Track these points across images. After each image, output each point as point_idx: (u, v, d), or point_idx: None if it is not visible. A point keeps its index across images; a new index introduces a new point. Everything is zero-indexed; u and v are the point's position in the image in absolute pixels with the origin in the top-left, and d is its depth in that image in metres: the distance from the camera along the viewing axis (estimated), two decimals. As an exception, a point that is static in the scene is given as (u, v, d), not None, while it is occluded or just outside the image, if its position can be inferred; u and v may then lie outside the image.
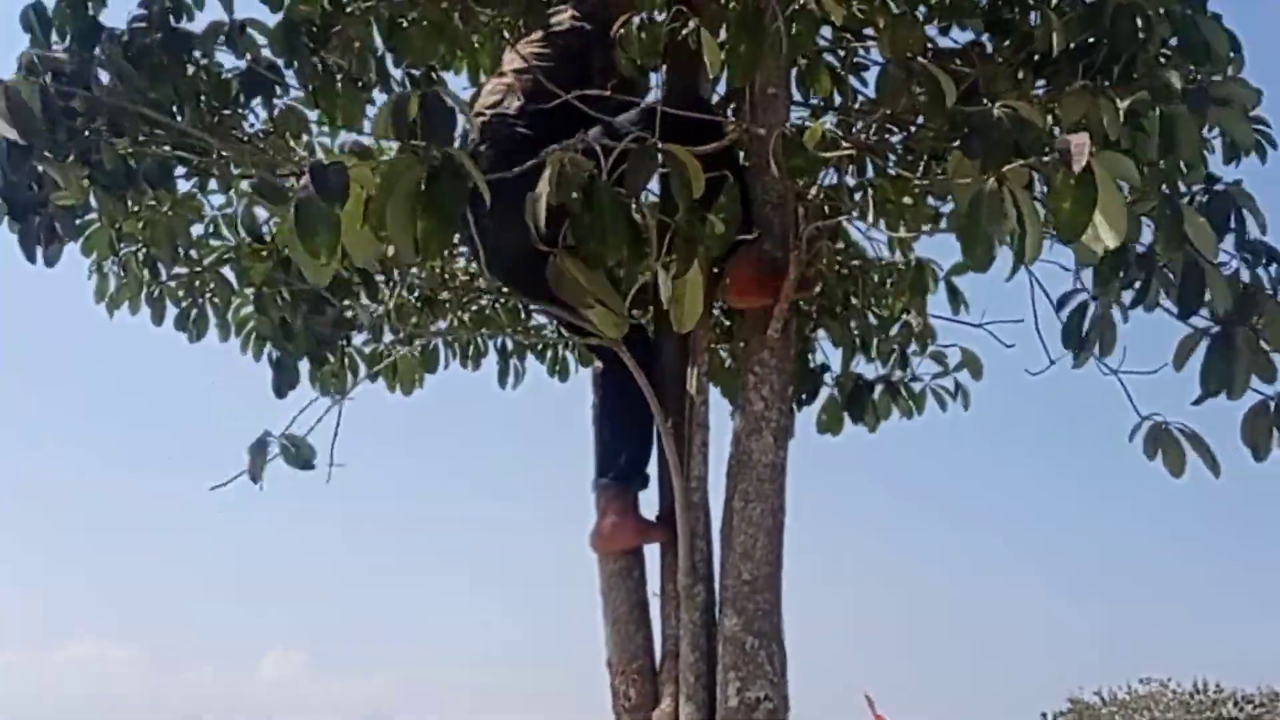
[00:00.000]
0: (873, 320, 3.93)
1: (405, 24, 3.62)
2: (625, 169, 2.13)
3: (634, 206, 2.24)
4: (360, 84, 3.60)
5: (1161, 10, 2.80)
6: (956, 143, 2.49)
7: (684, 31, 2.67)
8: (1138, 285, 2.65)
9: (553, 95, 2.64)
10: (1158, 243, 2.49)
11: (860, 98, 3.59)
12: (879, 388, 3.90)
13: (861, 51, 3.70)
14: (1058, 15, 3.02)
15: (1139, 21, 2.81)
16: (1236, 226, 2.67)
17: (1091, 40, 2.95)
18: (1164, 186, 2.73)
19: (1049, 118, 2.84)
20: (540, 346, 4.30)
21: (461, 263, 4.00)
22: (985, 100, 3.02)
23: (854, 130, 3.15)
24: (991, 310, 3.57)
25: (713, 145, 2.58)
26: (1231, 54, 2.91)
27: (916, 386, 3.93)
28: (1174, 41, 2.90)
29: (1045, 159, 2.17)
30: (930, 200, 3.47)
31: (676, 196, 2.14)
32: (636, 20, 2.72)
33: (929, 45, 3.29)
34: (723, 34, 2.80)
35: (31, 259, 3.08)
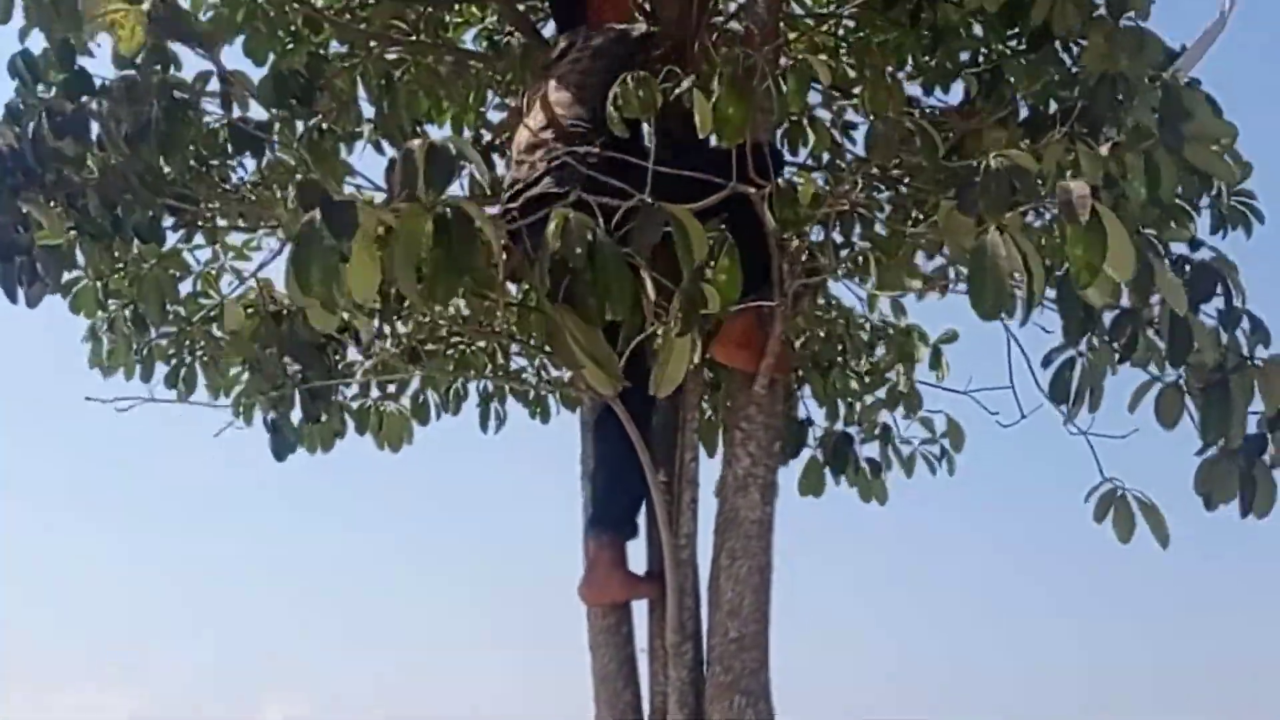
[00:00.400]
0: (855, 384, 3.96)
1: (393, 79, 3.65)
2: (631, 228, 2.14)
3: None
4: (348, 135, 3.63)
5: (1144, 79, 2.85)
6: (948, 194, 2.52)
7: (677, 91, 2.69)
8: (1124, 340, 2.68)
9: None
10: (1131, 297, 2.54)
11: (850, 155, 3.66)
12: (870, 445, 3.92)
13: (851, 110, 3.79)
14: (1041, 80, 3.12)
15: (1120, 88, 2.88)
16: (1224, 294, 2.70)
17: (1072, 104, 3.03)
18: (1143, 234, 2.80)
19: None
20: (527, 393, 4.29)
21: (452, 309, 3.99)
22: (970, 155, 3.13)
23: (842, 186, 3.18)
24: (969, 368, 3.61)
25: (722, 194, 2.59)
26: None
27: (905, 450, 3.96)
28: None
29: (1045, 207, 2.21)
30: (918, 258, 3.50)
31: (680, 260, 2.14)
32: (630, 80, 2.73)
33: (912, 107, 3.36)
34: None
35: (13, 298, 3.08)
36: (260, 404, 3.50)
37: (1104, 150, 2.57)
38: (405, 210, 1.86)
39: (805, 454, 3.90)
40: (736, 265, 2.27)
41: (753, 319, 2.90)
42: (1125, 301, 2.64)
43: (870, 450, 3.96)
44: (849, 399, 3.96)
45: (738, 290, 2.32)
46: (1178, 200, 2.90)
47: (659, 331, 2.40)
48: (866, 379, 3.96)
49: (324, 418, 3.46)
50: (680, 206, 2.18)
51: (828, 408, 3.91)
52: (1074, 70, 3.24)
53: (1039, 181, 2.45)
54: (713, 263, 2.67)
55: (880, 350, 3.99)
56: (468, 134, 4.08)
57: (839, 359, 3.92)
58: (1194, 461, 2.74)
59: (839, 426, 3.92)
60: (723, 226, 2.91)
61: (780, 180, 2.82)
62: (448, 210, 1.86)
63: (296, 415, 3.50)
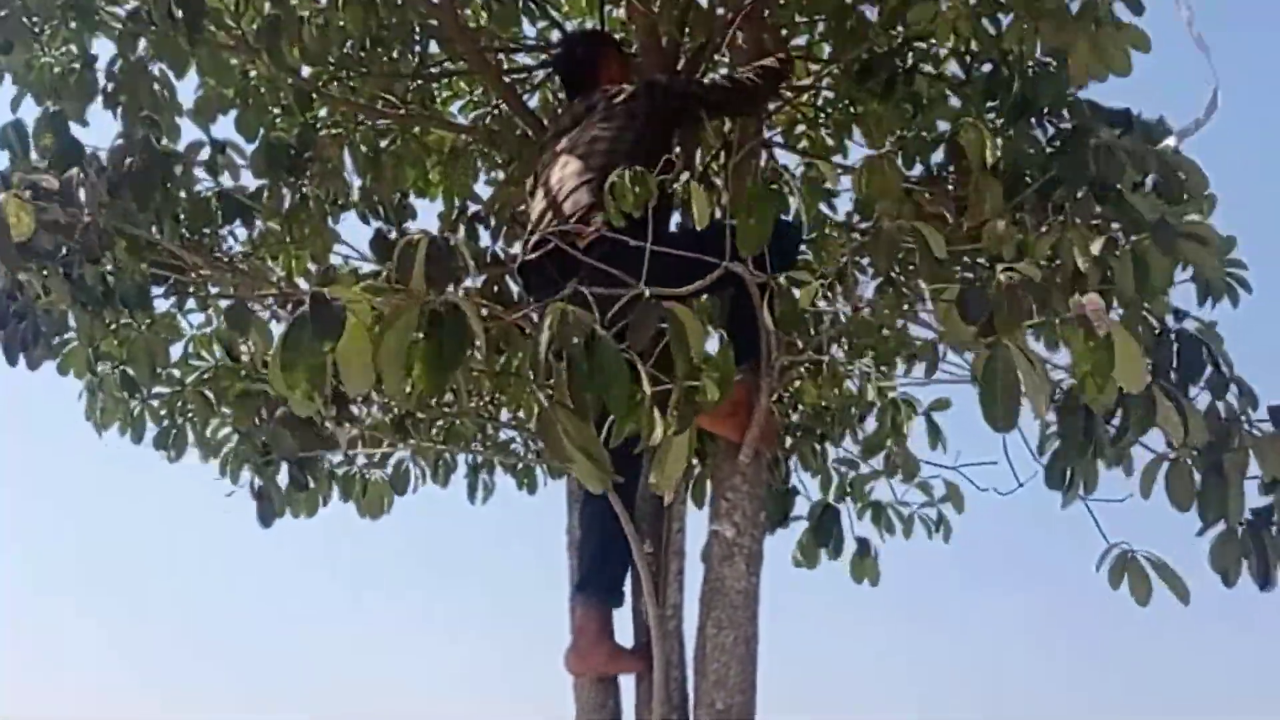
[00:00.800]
0: (847, 453, 3.99)
1: (380, 151, 3.70)
2: (628, 323, 2.15)
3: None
4: (337, 203, 3.67)
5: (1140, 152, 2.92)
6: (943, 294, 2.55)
7: (675, 185, 2.73)
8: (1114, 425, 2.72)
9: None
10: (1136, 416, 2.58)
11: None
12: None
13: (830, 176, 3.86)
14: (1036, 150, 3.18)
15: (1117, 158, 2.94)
16: (1211, 364, 2.75)
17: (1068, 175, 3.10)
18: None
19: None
20: (515, 464, 4.32)
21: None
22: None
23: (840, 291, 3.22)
24: (962, 437, 3.64)
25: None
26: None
27: (904, 512, 3.99)
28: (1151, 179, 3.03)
29: (1057, 319, 2.25)
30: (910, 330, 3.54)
31: (676, 357, 2.16)
32: (627, 174, 2.76)
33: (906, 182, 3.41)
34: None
35: (13, 362, 3.12)
36: (248, 469, 3.51)
37: (1095, 248, 2.62)
38: (398, 306, 1.88)
39: (801, 524, 3.90)
40: (731, 356, 2.29)
41: (741, 389, 2.93)
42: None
43: (864, 527, 3.98)
44: (841, 469, 3.98)
45: (731, 387, 2.34)
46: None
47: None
48: (859, 450, 3.99)
49: (311, 484, 3.47)
50: (676, 302, 2.20)
51: (820, 478, 3.94)
52: (1050, 148, 3.32)
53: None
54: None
55: (873, 422, 4.02)
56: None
57: (830, 429, 3.95)
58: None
59: (829, 499, 3.93)
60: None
61: (780, 278, 2.86)
62: (441, 307, 1.88)
63: (284, 480, 3.51)
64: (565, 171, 3.07)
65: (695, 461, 3.63)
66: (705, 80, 3.40)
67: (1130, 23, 3.10)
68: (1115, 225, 2.89)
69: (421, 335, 1.91)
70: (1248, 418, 2.73)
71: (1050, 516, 2.94)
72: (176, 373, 3.74)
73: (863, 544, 3.88)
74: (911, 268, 3.30)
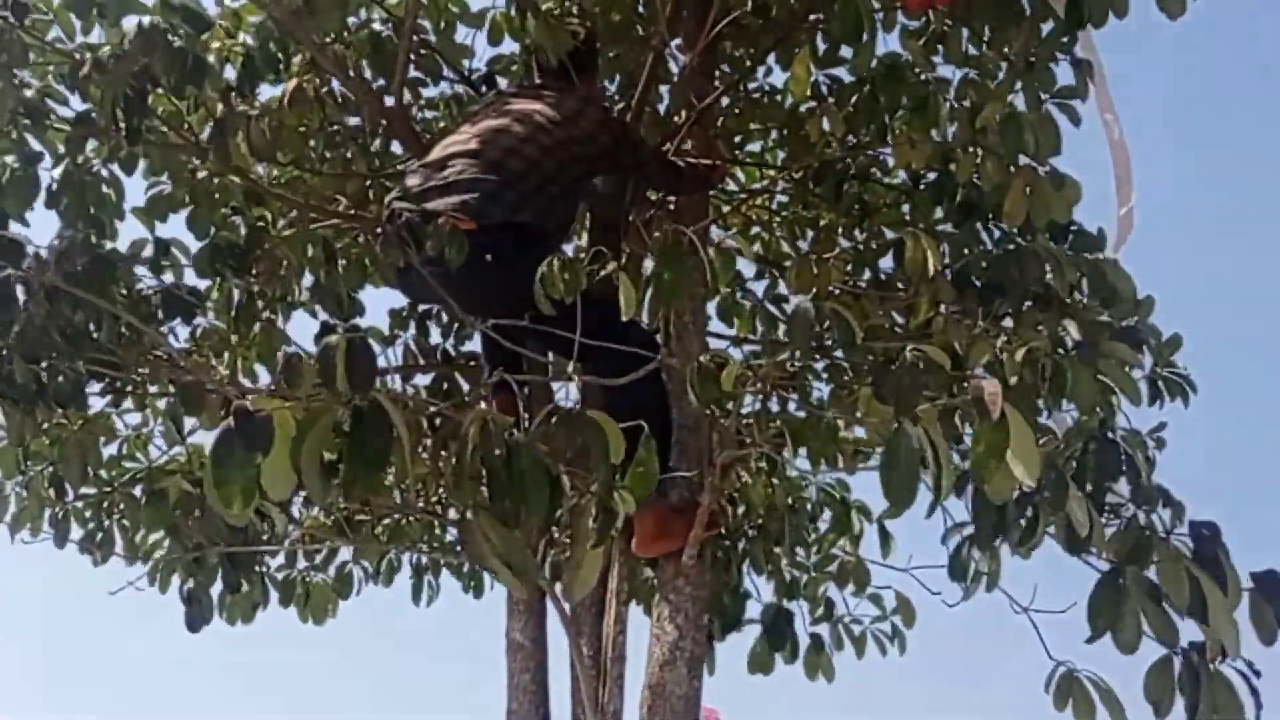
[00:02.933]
0: (800, 557, 3.95)
1: (329, 249, 3.70)
2: (545, 429, 2.14)
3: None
4: (282, 307, 3.65)
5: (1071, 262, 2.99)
6: (869, 380, 2.56)
7: (604, 272, 2.74)
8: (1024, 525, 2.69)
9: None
10: (1045, 499, 2.56)
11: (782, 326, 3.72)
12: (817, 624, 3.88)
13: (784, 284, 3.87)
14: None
15: (1048, 266, 2.99)
16: (1129, 473, 2.74)
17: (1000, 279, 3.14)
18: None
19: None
20: (460, 565, 4.24)
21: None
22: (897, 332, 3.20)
23: (767, 363, 3.22)
24: (915, 542, 3.60)
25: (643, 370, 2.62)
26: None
27: (856, 629, 3.91)
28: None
29: (957, 398, 2.25)
30: (853, 430, 3.54)
31: (595, 467, 2.14)
32: (556, 262, 2.78)
33: (843, 282, 3.44)
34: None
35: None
36: (179, 571, 3.42)
37: (1019, 355, 2.65)
38: (314, 408, 1.85)
39: (754, 629, 3.82)
40: (654, 458, 2.26)
41: (661, 507, 2.91)
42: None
43: (817, 627, 3.91)
44: (793, 572, 3.93)
45: (652, 488, 2.31)
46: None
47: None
48: (812, 552, 3.94)
49: (245, 587, 3.38)
50: (599, 413, 2.19)
51: (775, 582, 3.88)
52: (994, 248, 3.37)
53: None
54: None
55: (824, 524, 3.98)
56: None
57: (782, 531, 3.90)
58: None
59: (782, 602, 3.87)
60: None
61: (703, 359, 2.86)
62: (362, 405, 1.85)
63: (217, 586, 3.42)
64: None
65: (648, 569, 3.59)
66: (654, 150, 3.42)
67: (1071, 179, 3.18)
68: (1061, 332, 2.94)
69: (344, 436, 1.88)
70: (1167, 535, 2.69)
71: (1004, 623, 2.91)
72: (105, 474, 3.64)
73: (816, 640, 3.82)
74: (863, 370, 3.33)
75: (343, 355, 1.90)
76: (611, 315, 2.57)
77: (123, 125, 3.07)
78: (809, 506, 3.98)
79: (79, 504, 3.59)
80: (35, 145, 3.33)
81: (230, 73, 3.54)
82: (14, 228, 3.25)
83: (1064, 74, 3.20)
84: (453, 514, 4.00)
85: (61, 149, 3.37)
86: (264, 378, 3.71)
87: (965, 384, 2.64)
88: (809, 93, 3.70)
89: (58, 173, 3.36)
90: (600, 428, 2.12)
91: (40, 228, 3.31)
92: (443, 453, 3.38)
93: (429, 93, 4.05)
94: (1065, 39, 3.18)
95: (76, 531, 3.62)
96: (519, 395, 2.43)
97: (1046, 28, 3.15)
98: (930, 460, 2.15)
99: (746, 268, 3.90)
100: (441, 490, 3.75)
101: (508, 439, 1.98)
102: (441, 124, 4.01)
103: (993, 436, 2.12)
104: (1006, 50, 3.25)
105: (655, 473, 2.22)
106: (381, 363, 3.54)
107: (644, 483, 2.20)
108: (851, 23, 3.28)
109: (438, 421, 3.63)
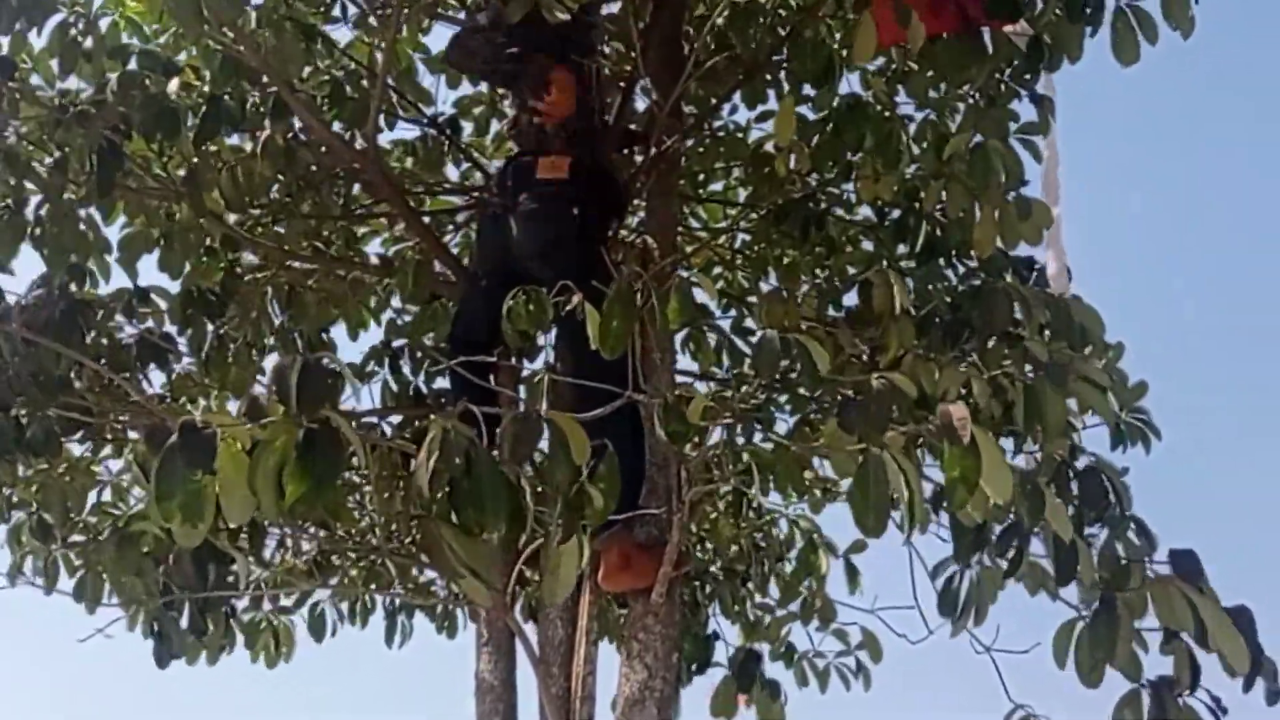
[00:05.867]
0: (767, 597, 3.95)
1: (297, 292, 3.74)
2: (510, 437, 2.15)
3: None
4: (256, 349, 3.68)
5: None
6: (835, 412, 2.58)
7: (568, 307, 2.77)
8: (1010, 555, 2.70)
9: None
10: (1021, 516, 2.57)
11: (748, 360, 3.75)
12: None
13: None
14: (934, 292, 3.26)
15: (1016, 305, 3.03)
16: (1104, 502, 2.76)
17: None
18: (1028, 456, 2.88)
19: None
20: (434, 607, 4.22)
21: (365, 521, 3.96)
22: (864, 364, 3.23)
23: (733, 396, 3.25)
24: (879, 581, 3.61)
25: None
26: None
27: (820, 663, 3.89)
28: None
29: (927, 426, 2.27)
30: (819, 466, 3.56)
31: (558, 467, 2.16)
32: (523, 295, 2.82)
33: (811, 317, 3.47)
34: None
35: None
36: (145, 609, 3.39)
37: (977, 389, 2.71)
38: (271, 429, 1.87)
39: (719, 671, 3.81)
40: (616, 473, 2.27)
41: (627, 541, 2.92)
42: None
43: (778, 669, 3.90)
44: (759, 612, 3.93)
45: (616, 497, 2.33)
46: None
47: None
48: (778, 592, 3.94)
49: (210, 629, 3.34)
50: (561, 414, 2.21)
51: (740, 624, 3.88)
52: (960, 287, 3.41)
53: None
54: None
55: (791, 564, 3.98)
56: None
57: (749, 571, 3.91)
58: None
59: (749, 643, 3.87)
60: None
61: (669, 394, 2.88)
62: (314, 425, 1.86)
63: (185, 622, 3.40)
64: None
65: (616, 607, 3.58)
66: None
67: (1040, 203, 3.24)
68: (1027, 367, 2.97)
69: (295, 455, 1.88)
70: (1145, 562, 2.72)
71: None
72: (93, 519, 3.63)
73: (773, 686, 3.78)
74: (827, 404, 3.36)
75: (295, 374, 1.92)
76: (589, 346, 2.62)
77: (95, 175, 3.12)
78: (779, 543, 3.98)
79: (70, 552, 3.56)
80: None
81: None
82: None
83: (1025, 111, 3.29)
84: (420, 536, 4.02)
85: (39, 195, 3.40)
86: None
87: (931, 414, 2.68)
88: (772, 129, 3.75)
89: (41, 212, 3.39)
90: (562, 426, 2.14)
91: (28, 271, 3.33)
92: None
93: (393, 136, 4.13)
94: (1028, 75, 3.25)
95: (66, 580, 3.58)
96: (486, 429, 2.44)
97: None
98: (902, 487, 2.16)
99: (712, 299, 3.94)
100: (415, 531, 3.78)
101: (467, 448, 1.99)
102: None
103: (964, 461, 2.14)
104: (968, 89, 3.31)
105: (615, 487, 2.23)
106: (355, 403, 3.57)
107: (609, 487, 2.20)
108: (822, 66, 3.36)
109: (412, 463, 3.68)
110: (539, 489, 2.33)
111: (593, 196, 3.17)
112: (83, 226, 3.43)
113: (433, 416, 2.22)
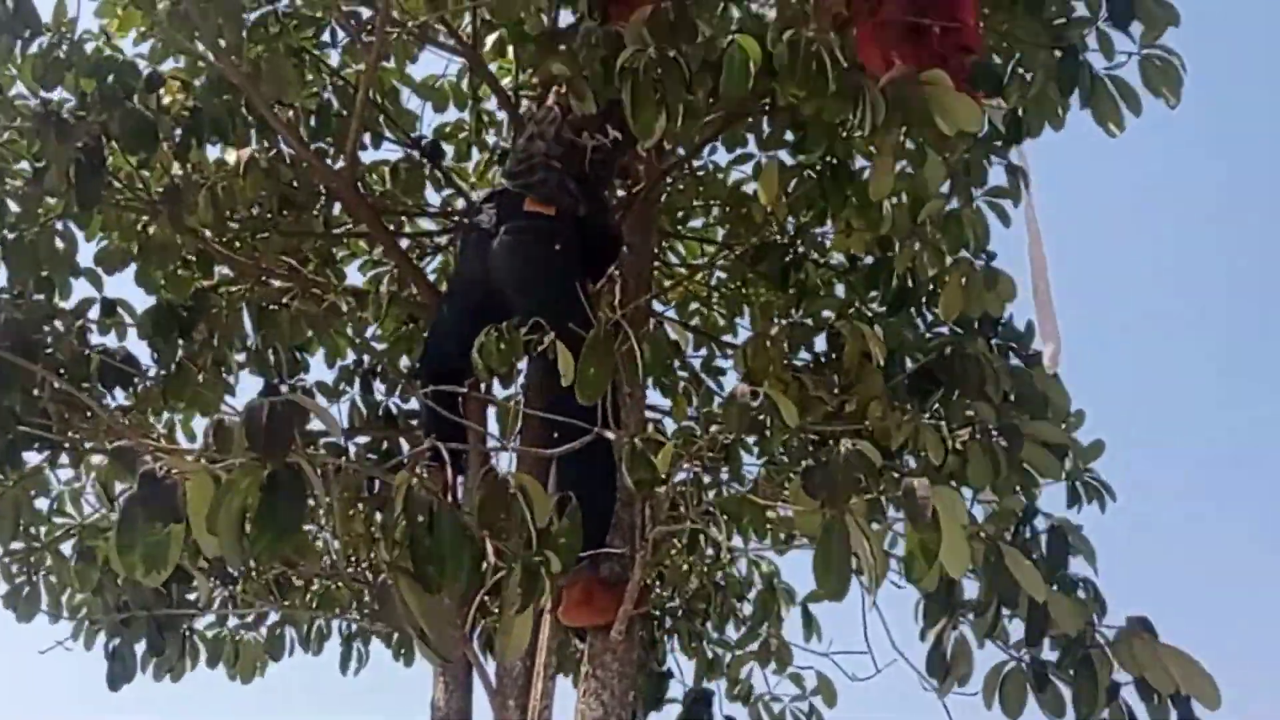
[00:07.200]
0: (725, 635, 3.97)
1: (267, 312, 3.73)
2: (479, 501, 2.16)
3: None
4: (224, 367, 3.67)
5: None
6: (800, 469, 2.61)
7: (541, 347, 2.79)
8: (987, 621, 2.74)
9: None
10: (982, 589, 2.61)
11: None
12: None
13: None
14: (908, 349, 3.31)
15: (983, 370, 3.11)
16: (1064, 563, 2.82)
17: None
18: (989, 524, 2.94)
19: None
20: (391, 634, 4.20)
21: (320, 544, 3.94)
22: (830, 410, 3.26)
23: (702, 438, 3.26)
24: (838, 627, 3.62)
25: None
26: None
27: (776, 707, 3.90)
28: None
29: (894, 492, 2.30)
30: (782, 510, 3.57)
31: (517, 531, 2.16)
32: (494, 332, 2.83)
33: (785, 364, 3.49)
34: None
35: None
36: (104, 630, 3.37)
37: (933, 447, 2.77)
38: (235, 472, 1.86)
39: (674, 708, 3.84)
40: (578, 529, 2.29)
41: (590, 577, 2.92)
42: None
43: (736, 708, 3.91)
44: (716, 650, 3.94)
45: (576, 553, 2.34)
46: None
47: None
48: (735, 633, 3.96)
49: (167, 651, 3.32)
50: (528, 478, 2.22)
51: (696, 662, 3.89)
52: (929, 335, 3.46)
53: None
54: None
55: (749, 605, 4.00)
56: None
57: (709, 610, 3.92)
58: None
59: (703, 683, 3.88)
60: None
61: (638, 440, 2.90)
62: (276, 470, 1.86)
63: (142, 645, 3.38)
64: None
65: (576, 641, 3.59)
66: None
67: (1005, 276, 3.29)
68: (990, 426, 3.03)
69: (258, 499, 1.88)
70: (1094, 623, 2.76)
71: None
72: (35, 529, 3.59)
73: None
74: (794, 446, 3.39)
75: (265, 418, 1.91)
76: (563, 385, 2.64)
77: (75, 188, 3.11)
78: (738, 582, 4.00)
79: (6, 559, 3.53)
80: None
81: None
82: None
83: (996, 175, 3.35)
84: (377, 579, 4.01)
85: (16, 207, 3.39)
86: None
87: (895, 473, 2.71)
88: (750, 172, 3.78)
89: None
90: (527, 487, 2.15)
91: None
92: (378, 515, 3.42)
93: (377, 156, 4.13)
94: (1000, 143, 3.30)
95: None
96: (452, 464, 2.45)
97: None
98: (865, 553, 2.18)
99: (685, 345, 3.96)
100: (373, 555, 3.77)
101: (431, 505, 1.99)
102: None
103: (924, 535, 2.17)
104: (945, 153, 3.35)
105: (577, 543, 2.24)
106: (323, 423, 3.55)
107: (569, 544, 2.22)
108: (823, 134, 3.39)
109: (377, 485, 3.68)
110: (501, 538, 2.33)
111: (577, 238, 3.16)
112: (59, 242, 3.45)
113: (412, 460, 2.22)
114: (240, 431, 1.96)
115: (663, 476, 2.66)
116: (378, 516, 3.48)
